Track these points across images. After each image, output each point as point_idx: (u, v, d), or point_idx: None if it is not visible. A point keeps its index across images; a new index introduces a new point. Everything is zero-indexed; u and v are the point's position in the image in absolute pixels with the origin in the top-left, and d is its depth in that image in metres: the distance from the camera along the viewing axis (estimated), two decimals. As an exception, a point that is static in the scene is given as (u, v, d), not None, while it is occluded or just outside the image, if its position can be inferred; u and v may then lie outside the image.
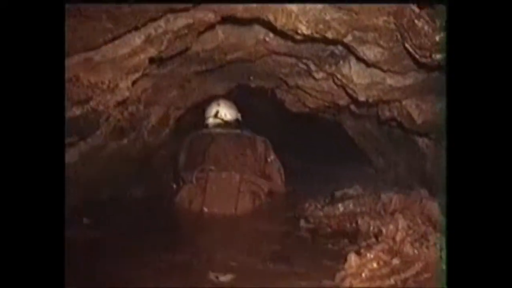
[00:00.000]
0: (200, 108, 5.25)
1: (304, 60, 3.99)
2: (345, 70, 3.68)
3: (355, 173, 5.92)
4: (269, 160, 4.62)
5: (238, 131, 4.70)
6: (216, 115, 4.81)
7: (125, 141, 4.32)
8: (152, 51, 3.11)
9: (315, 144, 7.58)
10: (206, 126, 4.85)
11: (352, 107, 4.74)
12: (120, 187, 4.61)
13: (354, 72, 3.62)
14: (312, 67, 4.00)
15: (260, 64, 4.32)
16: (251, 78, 4.92)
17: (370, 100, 3.80)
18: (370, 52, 3.16)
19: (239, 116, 4.94)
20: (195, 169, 4.30)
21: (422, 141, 4.58)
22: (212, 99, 5.08)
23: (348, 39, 3.08)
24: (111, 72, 3.11)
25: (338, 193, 4.16)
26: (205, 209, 4.08)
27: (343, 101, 4.42)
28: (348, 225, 3.46)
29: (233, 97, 5.22)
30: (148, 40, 3.01)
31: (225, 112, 4.84)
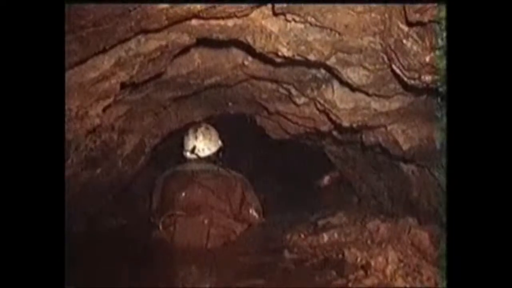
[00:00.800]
0: (177, 136, 5.07)
1: (285, 85, 3.83)
2: (327, 95, 3.52)
3: (338, 201, 5.80)
4: (246, 200, 4.43)
5: (215, 168, 4.45)
6: (193, 151, 4.52)
7: (98, 171, 4.09)
8: (123, 76, 2.93)
9: (296, 171, 7.43)
10: (184, 158, 4.59)
11: (335, 133, 4.55)
12: (93, 219, 4.39)
13: (337, 96, 3.46)
14: (293, 92, 3.84)
15: (239, 90, 4.17)
16: (230, 104, 4.76)
17: (354, 125, 3.63)
18: (354, 75, 2.99)
19: (220, 145, 4.69)
20: (163, 215, 4.10)
21: (407, 168, 4.43)
22: (190, 126, 4.82)
23: (331, 61, 2.92)
24: (80, 98, 2.93)
25: (321, 222, 4.02)
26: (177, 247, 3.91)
27: (325, 127, 4.26)
28: (334, 255, 3.28)
29: (211, 124, 5.01)
30: (118, 64, 2.83)
31: (203, 147, 4.53)
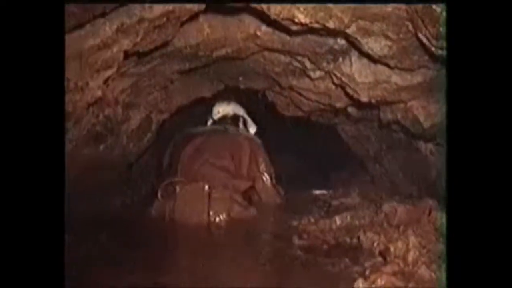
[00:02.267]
0: (186, 112, 4.95)
1: (299, 58, 3.62)
2: (345, 68, 3.31)
3: (351, 181, 5.63)
4: (255, 160, 4.22)
5: (224, 128, 4.38)
6: (211, 113, 4.62)
7: (101, 147, 3.88)
8: (126, 43, 2.69)
9: (307, 150, 7.28)
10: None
11: (350, 109, 4.37)
12: (95, 198, 4.20)
13: (356, 69, 3.26)
14: (308, 65, 3.63)
15: (250, 63, 3.96)
16: (240, 78, 4.56)
17: (373, 101, 3.43)
18: (375, 46, 2.79)
19: (241, 112, 4.72)
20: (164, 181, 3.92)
21: (425, 147, 4.23)
22: (199, 102, 4.82)
23: (351, 30, 2.70)
24: (79, 68, 2.70)
25: (334, 202, 3.82)
26: (179, 224, 3.69)
27: (341, 103, 4.07)
28: (348, 240, 3.05)
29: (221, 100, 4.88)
30: (121, 30, 2.59)
31: (218, 109, 4.62)
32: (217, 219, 3.69)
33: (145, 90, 4.06)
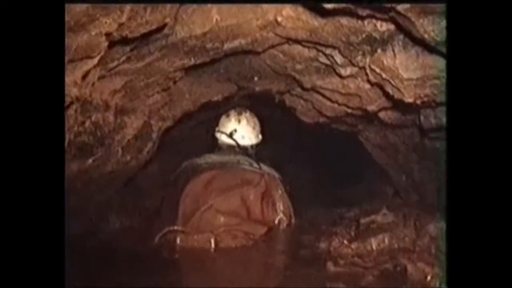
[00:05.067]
0: (192, 119, 4.55)
1: (328, 50, 3.06)
2: (386, 61, 2.75)
3: (373, 195, 5.23)
4: (271, 200, 3.69)
5: (236, 159, 3.85)
6: (231, 135, 4.01)
7: (90, 161, 3.33)
8: (108, 24, 2.06)
9: (326, 162, 6.79)
10: (216, 140, 4.11)
11: (382, 114, 3.80)
12: (87, 221, 3.84)
13: (400, 62, 2.69)
14: (338, 59, 3.08)
15: (267, 59, 3.45)
16: (256, 78, 4.01)
17: (419, 102, 2.88)
18: (434, 27, 2.20)
19: (259, 138, 4.16)
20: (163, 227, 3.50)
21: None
22: (207, 107, 4.32)
23: (403, 6, 2.13)
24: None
25: (363, 221, 3.27)
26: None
27: (373, 106, 3.54)
28: (391, 268, 2.54)
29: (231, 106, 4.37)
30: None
31: (243, 134, 4.03)
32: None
33: (142, 92, 3.48)
